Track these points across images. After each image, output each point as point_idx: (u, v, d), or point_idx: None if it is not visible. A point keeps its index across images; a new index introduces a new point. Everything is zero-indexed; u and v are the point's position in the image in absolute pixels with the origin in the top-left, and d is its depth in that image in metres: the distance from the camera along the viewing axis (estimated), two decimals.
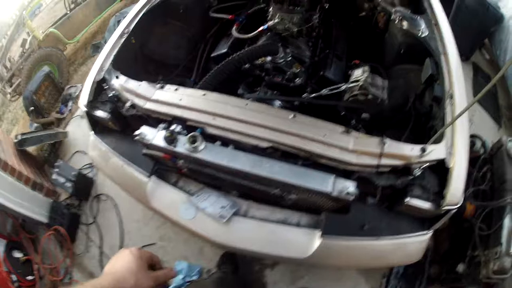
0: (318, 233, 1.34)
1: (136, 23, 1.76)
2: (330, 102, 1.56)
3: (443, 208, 1.26)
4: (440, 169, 1.30)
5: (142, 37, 1.85)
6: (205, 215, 1.40)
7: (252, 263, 2.08)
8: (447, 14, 1.87)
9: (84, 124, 1.69)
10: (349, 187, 1.21)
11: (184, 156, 1.30)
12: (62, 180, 2.38)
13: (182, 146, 1.28)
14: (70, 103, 2.96)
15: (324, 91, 1.54)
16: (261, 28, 1.71)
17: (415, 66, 1.70)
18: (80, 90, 3.00)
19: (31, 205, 2.21)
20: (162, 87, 1.45)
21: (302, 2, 1.79)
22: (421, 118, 1.58)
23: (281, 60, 1.70)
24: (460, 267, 1.88)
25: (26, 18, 3.01)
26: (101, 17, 3.50)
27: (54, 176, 2.41)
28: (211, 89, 1.49)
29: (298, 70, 1.68)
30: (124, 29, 1.74)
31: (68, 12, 3.30)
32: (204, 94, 1.37)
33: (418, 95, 1.63)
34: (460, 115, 1.25)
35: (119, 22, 3.09)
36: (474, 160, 2.09)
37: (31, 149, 2.64)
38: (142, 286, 0.72)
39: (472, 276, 1.81)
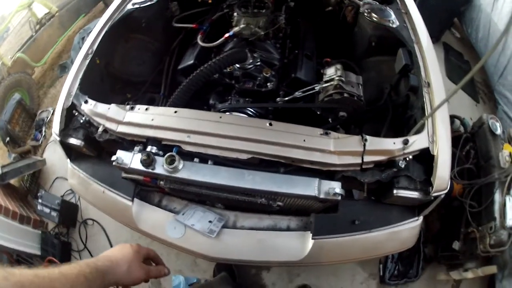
0: (309, 235, 1.34)
1: (99, 42, 1.70)
2: (306, 105, 1.54)
3: (432, 195, 1.27)
4: (424, 157, 1.31)
5: (106, 56, 1.78)
6: (194, 232, 1.37)
7: (247, 267, 2.08)
8: None
9: (60, 149, 1.64)
10: (335, 188, 1.20)
11: (164, 177, 1.27)
12: (47, 210, 2.34)
13: (161, 167, 1.24)
14: (43, 129, 2.88)
15: (298, 94, 1.51)
16: (226, 35, 1.65)
17: (386, 57, 1.69)
18: (52, 114, 2.92)
19: (22, 240, 2.18)
20: (132, 108, 1.40)
21: (266, 4, 1.74)
22: (398, 109, 1.58)
23: (250, 66, 1.65)
24: (456, 245, 1.92)
25: None
26: (65, 36, 3.39)
27: (39, 207, 2.37)
28: (182, 105, 1.45)
29: (269, 74, 1.63)
30: (88, 49, 1.67)
31: (34, 34, 3.19)
32: (175, 112, 1.32)
33: (393, 86, 1.62)
34: (441, 105, 1.26)
35: (83, 39, 3.00)
36: (455, 140, 2.13)
37: (12, 180, 2.57)
38: (133, 274, 0.76)
39: (469, 251, 1.86)
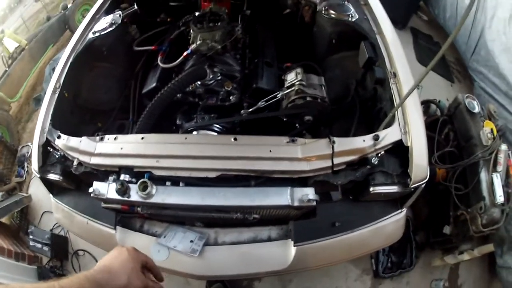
0: (291, 243, 1.33)
1: (66, 74, 1.69)
2: (270, 114, 1.53)
3: (412, 186, 1.26)
4: (399, 150, 1.30)
5: (74, 88, 1.78)
6: (178, 253, 1.36)
7: (238, 279, 2.07)
8: None
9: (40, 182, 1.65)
10: (308, 194, 1.20)
11: (140, 203, 1.27)
12: (39, 245, 2.36)
13: (135, 194, 1.24)
14: (25, 165, 2.86)
15: (261, 104, 1.50)
16: (185, 53, 1.63)
17: (349, 53, 1.69)
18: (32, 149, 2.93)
19: (19, 276, 2.20)
20: (101, 139, 1.40)
21: (221, 16, 1.73)
22: (367, 103, 1.58)
23: (211, 82, 1.64)
24: (447, 229, 1.92)
25: None
26: (36, 68, 3.37)
27: (31, 243, 2.38)
28: (147, 130, 1.44)
29: (230, 87, 1.62)
30: (56, 83, 1.67)
31: (7, 69, 3.17)
32: (142, 138, 1.32)
33: (359, 81, 1.61)
34: (408, 94, 1.22)
35: (53, 70, 2.98)
36: (432, 124, 2.12)
37: (3, 219, 2.58)
38: (133, 285, 0.76)
39: (462, 234, 1.86)
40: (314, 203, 1.19)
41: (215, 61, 1.71)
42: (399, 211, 1.41)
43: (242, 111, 1.55)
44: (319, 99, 1.44)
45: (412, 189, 1.29)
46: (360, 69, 1.60)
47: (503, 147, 1.84)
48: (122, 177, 1.31)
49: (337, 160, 1.25)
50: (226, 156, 1.21)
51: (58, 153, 1.50)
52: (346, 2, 1.67)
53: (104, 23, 1.87)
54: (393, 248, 2.08)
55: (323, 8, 1.67)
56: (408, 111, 1.33)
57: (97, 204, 1.44)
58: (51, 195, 1.66)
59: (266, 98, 1.50)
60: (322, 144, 1.26)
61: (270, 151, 1.21)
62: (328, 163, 1.25)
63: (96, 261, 2.28)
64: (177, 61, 1.61)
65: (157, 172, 1.25)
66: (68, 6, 3.68)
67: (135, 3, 1.94)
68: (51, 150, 1.52)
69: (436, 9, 3.04)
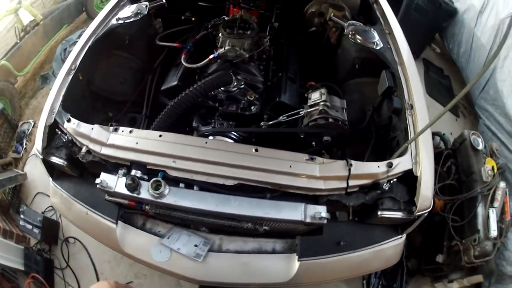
0: (295, 257, 1.35)
1: (82, 57, 1.65)
2: (291, 130, 1.54)
3: (416, 214, 1.30)
4: (407, 178, 1.34)
5: (88, 73, 1.74)
6: (180, 255, 1.35)
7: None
8: (396, 13, 1.90)
9: (41, 163, 1.59)
10: (321, 212, 1.22)
11: (150, 202, 1.25)
12: (29, 226, 2.29)
13: (146, 192, 1.22)
14: (24, 141, 2.78)
15: (282, 118, 1.51)
16: (211, 57, 1.63)
17: (369, 79, 1.72)
18: (33, 126, 2.86)
19: (5, 254, 2.14)
20: (115, 130, 1.37)
21: (252, 25, 1.74)
22: (380, 130, 1.61)
23: (235, 89, 1.65)
24: (440, 258, 1.97)
25: None
26: (48, 46, 3.31)
27: (21, 223, 2.31)
28: (166, 128, 1.43)
29: (253, 98, 1.63)
30: (71, 64, 1.62)
31: (19, 41, 3.08)
32: (160, 136, 1.31)
33: (375, 108, 1.64)
34: (424, 130, 1.28)
35: (65, 50, 2.95)
36: (436, 156, 2.17)
37: None
38: None
39: (453, 263, 1.92)
40: (325, 221, 1.22)
41: (240, 69, 1.71)
42: (399, 236, 1.45)
43: (262, 123, 1.56)
44: (340, 121, 1.47)
45: (416, 217, 1.33)
46: (377, 97, 1.64)
47: (502, 184, 1.92)
48: (133, 172, 1.29)
49: (351, 182, 1.29)
50: (246, 166, 1.22)
51: (66, 137, 1.46)
52: (372, 29, 1.71)
53: (129, 11, 1.84)
54: (385, 271, 2.12)
55: (350, 33, 1.70)
56: (420, 143, 1.38)
57: (99, 195, 1.41)
58: (50, 178, 1.61)
59: (288, 114, 1.51)
60: (340, 166, 1.29)
61: (291, 166, 1.22)
62: (343, 184, 1.28)
63: (87, 250, 2.26)
64: (201, 63, 1.61)
65: (172, 173, 1.25)
66: None
67: None
68: (59, 132, 1.48)
69: (451, 44, 3.11)
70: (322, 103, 1.47)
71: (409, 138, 1.38)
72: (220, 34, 1.72)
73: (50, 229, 2.32)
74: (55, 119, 1.48)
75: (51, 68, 3.07)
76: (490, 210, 1.84)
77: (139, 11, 1.83)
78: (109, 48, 1.87)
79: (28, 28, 3.09)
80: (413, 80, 1.55)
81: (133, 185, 1.22)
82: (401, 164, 1.33)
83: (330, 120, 1.45)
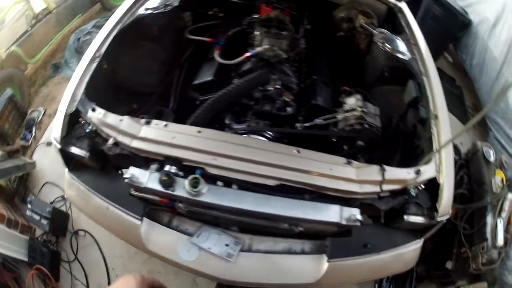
0: (324, 258, 1.36)
1: (108, 45, 1.59)
2: (328, 133, 1.57)
3: (437, 220, 1.36)
4: (431, 185, 1.39)
5: (113, 62, 1.68)
6: (208, 254, 1.34)
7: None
8: None
9: (51, 152, 1.54)
10: (356, 214, 1.25)
11: (186, 200, 1.23)
12: (37, 217, 2.21)
13: (182, 189, 1.20)
14: (34, 129, 2.72)
15: (319, 121, 1.53)
16: (247, 54, 1.62)
17: (395, 87, 1.75)
18: (43, 115, 2.80)
19: (9, 244, 2.07)
20: (148, 123, 1.34)
21: (287, 26, 1.74)
22: (405, 138, 1.64)
23: (271, 89, 1.65)
24: (449, 264, 2.03)
25: None
26: (60, 34, 3.25)
27: (28, 213, 2.24)
28: (203, 124, 1.41)
29: (289, 98, 1.63)
30: (95, 52, 1.55)
31: (30, 28, 3.00)
32: (199, 131, 1.29)
33: (401, 116, 1.68)
34: (450, 141, 1.33)
35: (79, 40, 2.89)
36: None
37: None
38: None
39: (461, 270, 1.98)
40: (359, 223, 1.24)
41: (275, 68, 1.71)
42: (418, 240, 1.49)
43: (297, 124, 1.57)
44: (375, 128, 1.51)
45: (436, 222, 1.38)
46: (404, 105, 1.67)
47: (510, 196, 2.00)
48: (167, 168, 1.25)
49: (384, 187, 1.33)
50: (288, 167, 1.22)
51: (89, 128, 1.39)
52: (399, 38, 1.75)
53: (158, 1, 1.79)
54: (396, 276, 2.15)
55: (380, 41, 1.73)
56: (443, 153, 1.44)
57: (122, 190, 1.37)
58: (66, 170, 1.52)
59: (325, 117, 1.54)
60: (374, 170, 1.32)
61: (331, 169, 1.24)
62: (377, 189, 1.31)
63: (98, 244, 2.21)
64: (237, 60, 1.60)
65: (212, 170, 1.23)
66: None
67: None
68: (82, 122, 1.42)
69: (464, 54, 3.18)
70: (359, 109, 1.50)
71: (433, 147, 1.44)
72: (257, 32, 1.72)
73: (59, 220, 2.26)
74: (77, 108, 1.41)
75: (63, 57, 3.03)
76: (498, 220, 1.92)
77: (168, 2, 1.79)
78: (137, 38, 1.81)
79: (40, 16, 3.03)
80: (438, 92, 1.60)
81: (168, 182, 1.20)
82: (427, 171, 1.38)
83: (366, 125, 1.48)
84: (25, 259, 2.10)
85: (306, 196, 1.25)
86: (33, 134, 2.70)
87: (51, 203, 2.36)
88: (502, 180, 2.04)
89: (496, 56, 2.77)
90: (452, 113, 2.87)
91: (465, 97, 3.14)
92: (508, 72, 2.66)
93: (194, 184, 1.19)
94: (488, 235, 1.89)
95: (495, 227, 1.90)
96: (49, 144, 2.60)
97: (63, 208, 2.36)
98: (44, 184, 2.48)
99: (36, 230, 2.30)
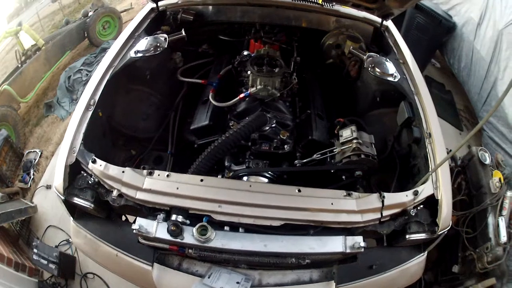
0: (332, 284, 1.40)
1: (101, 92, 1.58)
2: (327, 167, 1.59)
3: (438, 233, 1.40)
4: (429, 202, 1.44)
5: (109, 108, 1.68)
6: None
7: None
8: None
9: (51, 195, 1.53)
10: (359, 242, 1.29)
11: (195, 246, 1.26)
12: (44, 261, 2.22)
13: (191, 237, 1.23)
14: (32, 172, 2.73)
15: (316, 156, 1.56)
16: (242, 95, 1.64)
17: (387, 110, 1.79)
18: (40, 156, 2.80)
19: (18, 287, 2.10)
20: (150, 174, 1.35)
21: (279, 62, 1.75)
22: (401, 159, 1.68)
23: (267, 128, 1.66)
24: (456, 268, 2.08)
25: None
26: (50, 72, 3.25)
27: (35, 257, 2.25)
28: (205, 172, 1.44)
29: (285, 136, 1.64)
30: (89, 99, 1.55)
31: (20, 65, 3.00)
32: (201, 180, 1.32)
33: (395, 137, 1.72)
34: (446, 159, 1.37)
35: (69, 78, 2.90)
36: None
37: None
38: None
39: (468, 271, 2.03)
40: (363, 249, 1.29)
41: (269, 107, 1.72)
42: (422, 254, 1.53)
43: (296, 161, 1.59)
44: (371, 157, 1.54)
45: (438, 236, 1.43)
46: (397, 127, 1.71)
47: (509, 193, 2.04)
48: (174, 217, 1.28)
49: (385, 213, 1.38)
50: (291, 207, 1.26)
51: (91, 179, 1.40)
52: (388, 61, 1.78)
53: (147, 44, 1.78)
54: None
55: (370, 66, 1.75)
56: (440, 169, 1.48)
57: (129, 237, 1.38)
58: (71, 219, 1.53)
59: (322, 152, 1.56)
60: (374, 199, 1.37)
61: (332, 204, 1.28)
62: (377, 215, 1.36)
63: (107, 286, 2.21)
64: (231, 102, 1.62)
65: (218, 217, 1.26)
66: (89, 14, 3.56)
67: (183, 30, 1.89)
68: (84, 173, 1.43)
69: (451, 58, 3.21)
70: (355, 141, 1.53)
71: (429, 165, 1.49)
72: (249, 72, 1.73)
73: (67, 264, 2.27)
74: (76, 159, 1.41)
75: (55, 96, 3.04)
76: (499, 219, 1.96)
77: (158, 44, 1.78)
78: (129, 82, 1.82)
79: (29, 53, 3.03)
80: (429, 109, 1.64)
81: (177, 231, 1.23)
82: (424, 190, 1.43)
83: (363, 156, 1.52)
84: None
85: (311, 231, 1.30)
86: (32, 177, 2.71)
87: (56, 246, 2.37)
88: (500, 179, 2.06)
89: (483, 55, 2.81)
90: (444, 119, 2.92)
91: (455, 101, 3.18)
92: (497, 70, 2.69)
93: (202, 231, 1.22)
94: (491, 235, 1.93)
95: (497, 226, 1.94)
96: (48, 187, 2.62)
97: (69, 252, 2.36)
98: (47, 228, 2.48)
99: (43, 272, 2.29)
